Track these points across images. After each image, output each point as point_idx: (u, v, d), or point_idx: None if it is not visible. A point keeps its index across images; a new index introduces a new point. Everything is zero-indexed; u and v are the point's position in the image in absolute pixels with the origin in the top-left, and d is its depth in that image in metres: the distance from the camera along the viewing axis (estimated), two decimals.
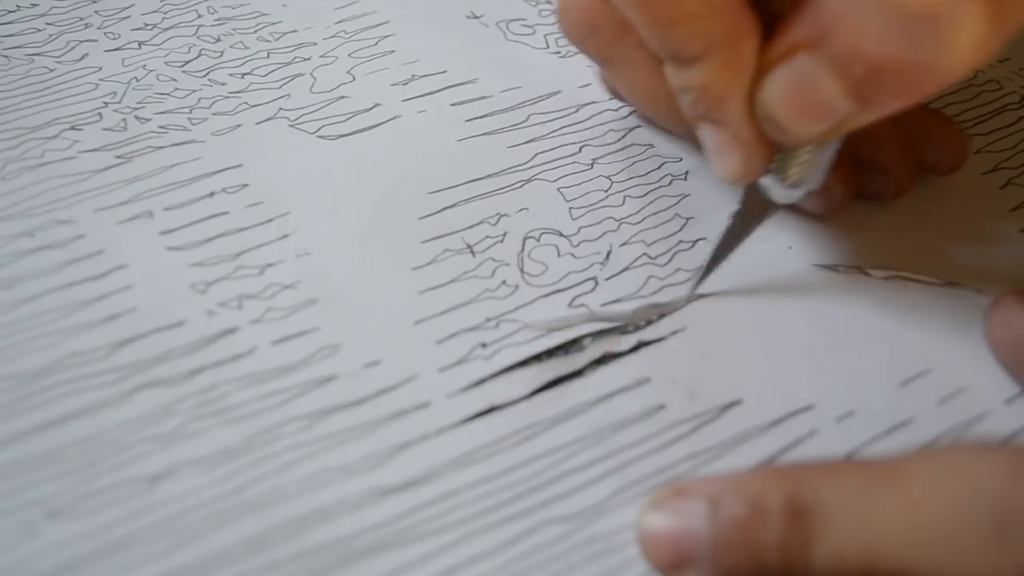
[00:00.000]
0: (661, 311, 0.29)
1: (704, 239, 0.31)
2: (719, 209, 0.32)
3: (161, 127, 0.34)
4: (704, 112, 0.27)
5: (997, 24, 0.22)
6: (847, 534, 0.21)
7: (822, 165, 0.28)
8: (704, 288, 0.30)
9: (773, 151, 0.27)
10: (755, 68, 0.26)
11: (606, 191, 0.33)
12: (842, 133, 0.26)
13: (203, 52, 0.37)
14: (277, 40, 0.38)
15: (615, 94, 0.35)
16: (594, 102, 0.36)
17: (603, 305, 0.29)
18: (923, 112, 0.32)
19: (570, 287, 0.30)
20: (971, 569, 0.20)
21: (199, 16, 0.39)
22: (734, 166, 0.27)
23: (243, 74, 0.36)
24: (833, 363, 0.28)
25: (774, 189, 0.28)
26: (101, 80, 0.36)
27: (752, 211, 0.29)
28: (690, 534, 0.22)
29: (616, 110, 0.36)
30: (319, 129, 0.34)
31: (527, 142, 0.34)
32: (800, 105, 0.25)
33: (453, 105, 0.35)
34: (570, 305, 0.29)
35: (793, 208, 0.31)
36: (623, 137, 0.35)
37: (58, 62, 0.36)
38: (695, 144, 0.30)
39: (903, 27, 0.22)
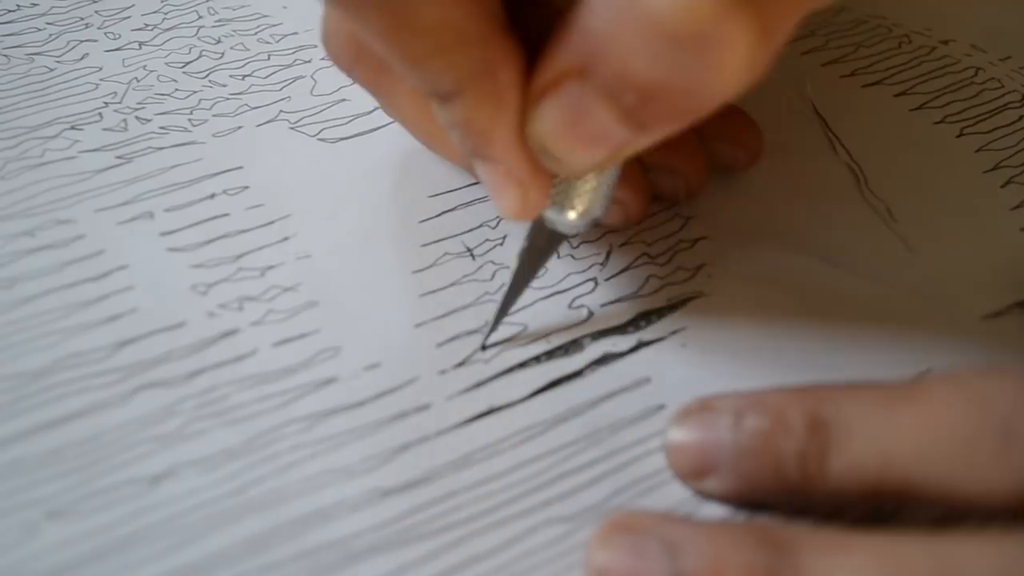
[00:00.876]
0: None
1: (704, 238, 0.31)
2: (719, 209, 0.32)
3: (162, 128, 0.34)
4: (472, 149, 0.25)
5: (765, 41, 0.21)
6: (863, 445, 0.23)
7: (604, 192, 0.26)
8: (496, 337, 0.29)
9: (550, 183, 0.26)
10: (520, 99, 0.24)
11: None
12: (620, 160, 0.24)
13: (204, 53, 0.37)
14: (278, 42, 0.38)
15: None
16: None
17: (602, 306, 0.29)
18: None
19: (570, 288, 0.30)
20: (979, 479, 0.22)
21: (200, 17, 0.39)
22: (512, 202, 0.26)
23: (244, 76, 0.36)
24: (833, 363, 0.28)
25: (559, 221, 0.27)
26: (101, 80, 0.36)
27: (541, 246, 0.28)
28: (714, 443, 0.24)
29: None
30: (320, 132, 0.34)
31: None
32: (574, 135, 0.23)
33: None
34: (570, 306, 0.29)
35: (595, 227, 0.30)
36: None
37: (58, 62, 0.36)
38: (478, 178, 0.29)
39: (671, 51, 0.21)
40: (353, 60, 0.29)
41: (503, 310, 0.28)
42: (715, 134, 0.32)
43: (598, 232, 0.31)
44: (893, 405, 0.23)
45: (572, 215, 0.26)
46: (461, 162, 0.31)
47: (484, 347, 0.28)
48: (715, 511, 0.25)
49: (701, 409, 0.25)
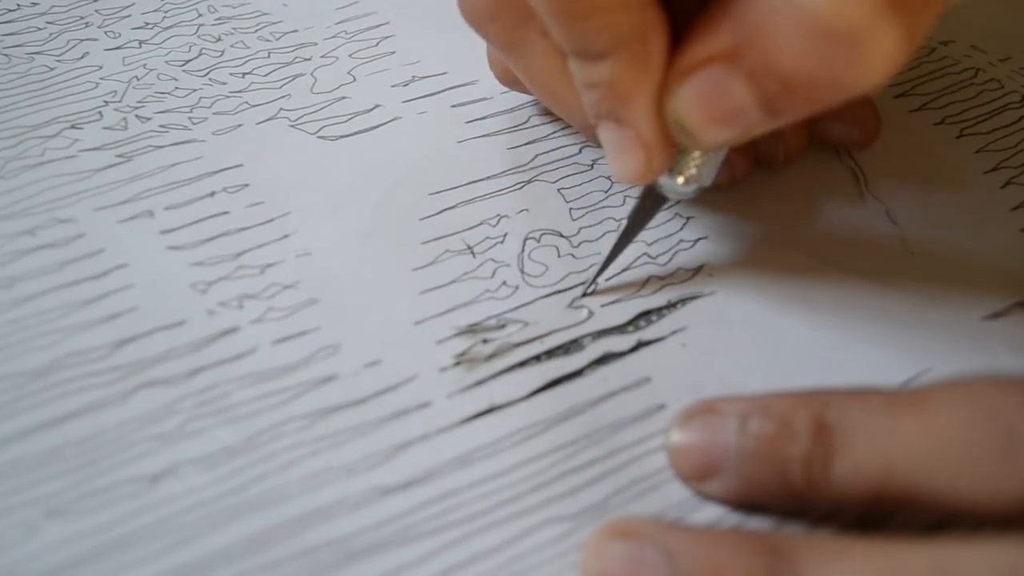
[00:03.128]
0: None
1: (704, 238, 0.31)
2: (719, 209, 0.32)
3: (162, 126, 0.34)
4: (608, 110, 0.26)
5: (908, 40, 0.22)
6: (867, 451, 0.23)
7: (715, 163, 0.28)
8: (606, 283, 0.30)
9: (673, 152, 0.27)
10: (663, 68, 0.25)
11: (606, 191, 0.33)
12: (746, 139, 0.26)
13: (204, 51, 0.37)
14: (278, 40, 0.38)
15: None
16: None
17: (603, 306, 0.29)
18: None
19: (570, 287, 0.30)
20: (983, 486, 0.22)
21: (200, 15, 0.39)
22: (635, 166, 0.27)
23: (244, 74, 0.36)
24: (833, 363, 0.28)
25: (670, 186, 0.28)
26: (101, 79, 0.36)
27: (648, 207, 0.29)
28: (718, 446, 0.24)
29: None
30: (320, 129, 0.34)
31: (527, 143, 0.34)
32: (711, 114, 0.25)
33: (454, 107, 0.36)
34: (570, 305, 0.29)
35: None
36: None
37: (58, 61, 0.36)
38: (595, 141, 0.30)
39: (823, 45, 0.22)
40: (489, 16, 0.29)
41: (608, 263, 0.30)
42: (834, 114, 0.32)
43: (600, 232, 0.31)
44: (897, 411, 0.23)
45: (681, 181, 0.28)
46: (579, 122, 0.31)
47: (585, 294, 0.30)
48: (715, 512, 0.25)
49: (705, 411, 0.25)
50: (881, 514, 0.24)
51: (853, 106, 0.32)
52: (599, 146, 0.29)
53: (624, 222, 0.30)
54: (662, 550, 0.22)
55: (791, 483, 0.23)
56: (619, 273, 0.30)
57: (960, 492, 0.22)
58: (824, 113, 0.31)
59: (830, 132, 0.33)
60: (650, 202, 0.29)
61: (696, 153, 0.27)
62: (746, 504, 0.25)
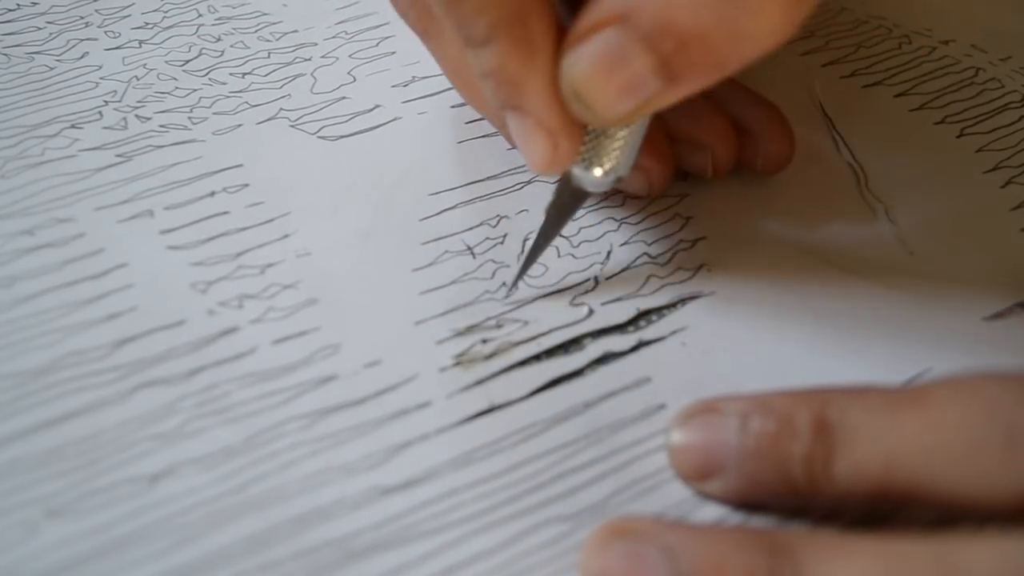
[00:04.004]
0: None
1: (704, 238, 0.31)
2: (719, 210, 0.32)
3: (162, 126, 0.34)
4: (504, 98, 0.26)
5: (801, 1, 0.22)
6: (868, 448, 0.22)
7: (630, 150, 0.27)
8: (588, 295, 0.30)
9: (580, 136, 0.27)
10: (552, 48, 0.25)
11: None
12: (650, 111, 0.25)
13: (204, 51, 0.37)
14: (278, 40, 0.38)
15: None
16: None
17: (603, 305, 0.29)
18: (757, 104, 0.32)
19: (570, 287, 0.30)
20: (983, 483, 0.21)
21: (199, 15, 0.39)
22: (541, 153, 0.26)
23: (244, 74, 0.36)
24: (833, 364, 0.28)
25: (585, 177, 0.27)
26: (101, 79, 0.36)
27: (566, 202, 0.29)
28: (719, 446, 0.24)
29: None
30: (320, 130, 0.34)
31: None
32: (608, 81, 0.24)
33: (453, 107, 0.35)
34: (571, 303, 0.29)
35: (616, 192, 0.31)
36: None
37: (58, 60, 0.36)
38: (507, 135, 0.29)
39: (717, 1, 0.22)
40: (408, 3, 0.29)
41: (527, 263, 0.29)
42: (753, 129, 0.32)
43: (600, 232, 0.31)
44: (898, 408, 0.23)
45: (598, 172, 0.27)
46: (491, 116, 0.31)
47: (507, 296, 0.29)
48: (716, 512, 0.25)
49: (705, 410, 0.25)
50: (883, 512, 0.24)
51: (770, 125, 0.32)
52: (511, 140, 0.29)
53: (543, 218, 0.29)
54: (662, 548, 0.22)
55: (793, 481, 0.23)
56: (619, 273, 0.30)
57: (961, 488, 0.22)
58: (749, 127, 0.32)
59: (751, 150, 0.32)
60: (569, 196, 0.29)
61: (609, 141, 0.27)
62: (747, 503, 0.24)
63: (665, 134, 0.31)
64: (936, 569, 0.20)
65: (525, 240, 0.31)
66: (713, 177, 0.32)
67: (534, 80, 0.25)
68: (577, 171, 0.27)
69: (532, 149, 0.26)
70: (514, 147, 0.29)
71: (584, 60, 0.24)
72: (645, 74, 0.23)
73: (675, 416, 0.25)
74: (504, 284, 0.30)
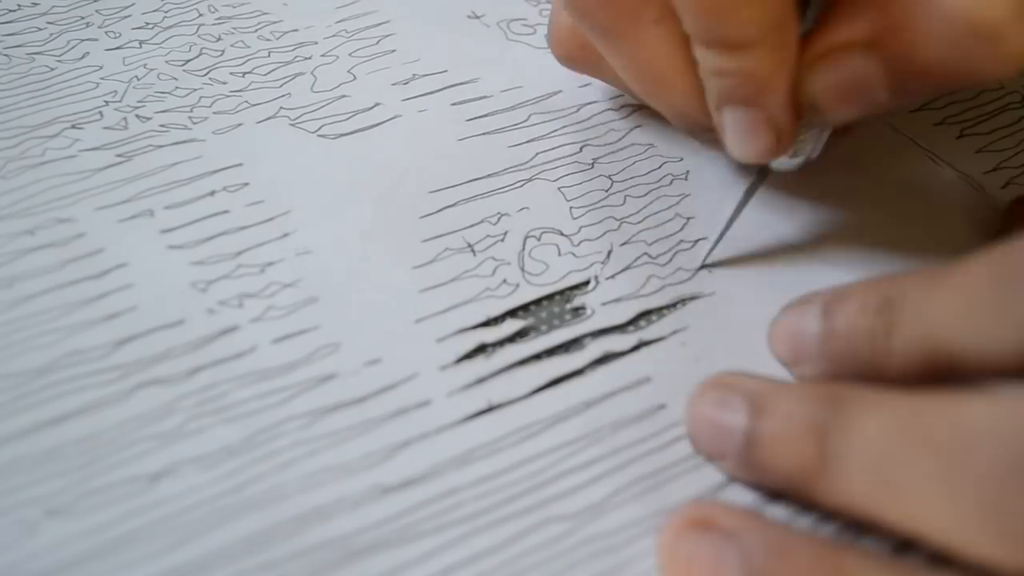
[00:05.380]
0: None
1: (704, 239, 0.31)
2: (719, 209, 0.32)
3: (162, 126, 0.34)
4: (743, 96, 0.27)
5: None
6: (916, 318, 0.24)
7: (824, 139, 0.29)
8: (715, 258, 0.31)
9: (795, 131, 0.28)
10: (798, 53, 0.26)
11: (607, 190, 0.33)
12: (867, 113, 0.27)
13: (204, 51, 0.37)
14: (278, 39, 0.38)
15: (572, 61, 0.33)
16: (595, 102, 0.36)
17: (603, 305, 0.29)
18: None
19: (571, 287, 0.30)
20: (1009, 343, 0.22)
21: (200, 15, 0.39)
22: (765, 147, 0.28)
23: (244, 73, 0.36)
24: None
25: (782, 162, 0.29)
26: (102, 79, 0.36)
27: (755, 183, 0.31)
28: (804, 334, 0.26)
29: (617, 110, 0.36)
30: (320, 128, 0.34)
31: (528, 141, 0.34)
32: (844, 95, 0.26)
33: (454, 105, 0.35)
34: (570, 303, 0.29)
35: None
36: (624, 137, 0.35)
37: (59, 61, 0.36)
38: (691, 130, 0.30)
39: (963, 39, 0.24)
40: (602, 3, 0.29)
41: (722, 236, 0.31)
42: None
43: (600, 231, 0.31)
44: (935, 279, 0.24)
45: (799, 159, 0.29)
46: (679, 110, 0.31)
47: (704, 266, 0.31)
48: (739, 495, 0.25)
49: (798, 303, 0.27)
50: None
51: None
52: (696, 137, 0.32)
53: (741, 196, 0.31)
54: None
55: (862, 358, 0.25)
56: (620, 273, 0.30)
57: (992, 349, 0.23)
58: None
59: None
60: (758, 176, 0.30)
61: (808, 131, 0.29)
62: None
63: None
64: (943, 420, 0.22)
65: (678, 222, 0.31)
66: (842, 135, 0.33)
67: (780, 83, 0.27)
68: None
69: (755, 142, 0.28)
70: (706, 142, 0.30)
71: (828, 77, 0.26)
72: (878, 91, 0.26)
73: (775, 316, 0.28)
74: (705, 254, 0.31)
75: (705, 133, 0.30)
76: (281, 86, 0.36)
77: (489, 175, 0.33)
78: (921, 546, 0.23)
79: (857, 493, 0.23)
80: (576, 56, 0.33)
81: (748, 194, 0.31)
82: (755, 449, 0.24)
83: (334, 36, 0.38)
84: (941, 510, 0.21)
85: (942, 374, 0.24)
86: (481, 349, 0.28)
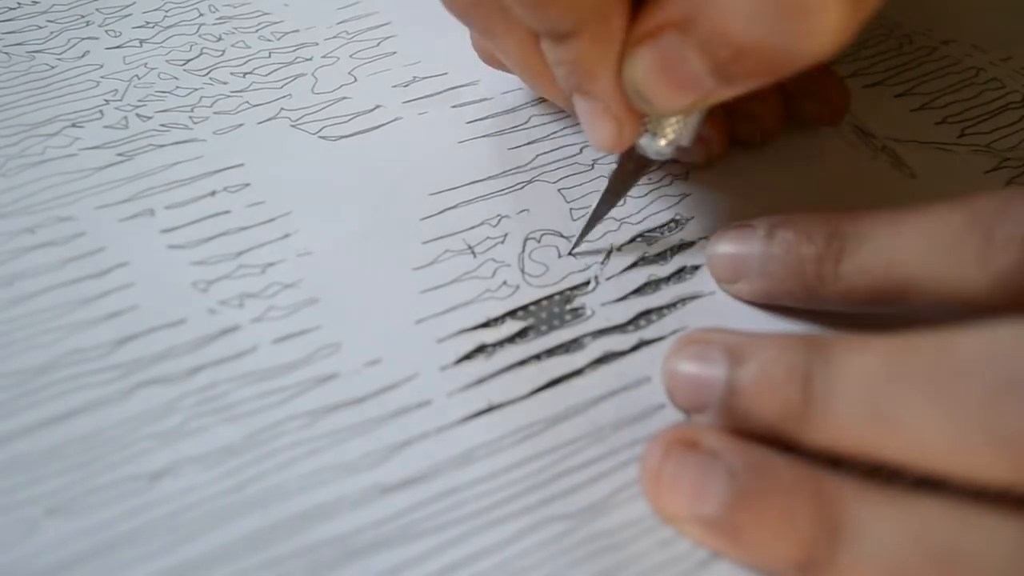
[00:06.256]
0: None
1: (704, 238, 0.31)
2: (719, 209, 0.32)
3: (163, 125, 0.34)
4: (576, 85, 0.27)
5: (854, 11, 0.23)
6: (871, 250, 0.26)
7: (692, 124, 0.29)
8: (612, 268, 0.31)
9: (640, 120, 0.28)
10: (624, 43, 0.26)
11: None
12: (704, 106, 0.27)
13: (204, 51, 0.37)
14: (279, 40, 0.38)
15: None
16: None
17: (603, 305, 0.29)
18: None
19: (571, 287, 0.30)
20: (963, 275, 0.25)
21: (200, 15, 0.39)
22: (606, 135, 0.28)
23: (244, 73, 0.36)
24: None
25: (649, 147, 0.29)
26: (102, 78, 0.36)
27: (630, 169, 0.30)
28: (747, 254, 0.29)
29: None
30: (321, 130, 0.34)
31: (528, 144, 0.34)
32: (666, 80, 0.26)
33: (454, 107, 0.36)
34: (569, 304, 0.29)
35: (674, 162, 0.33)
36: None
37: (59, 59, 0.36)
38: (574, 113, 0.31)
39: (771, 14, 0.23)
40: (471, 4, 0.30)
41: (590, 226, 0.31)
42: (802, 91, 0.34)
43: (600, 232, 0.31)
44: (901, 218, 0.26)
45: (662, 142, 0.29)
46: (559, 98, 0.32)
47: (572, 253, 0.31)
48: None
49: (739, 226, 0.29)
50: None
51: (821, 83, 0.34)
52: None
53: (606, 184, 0.30)
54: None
55: (806, 280, 0.27)
56: (619, 273, 0.30)
57: (946, 283, 0.25)
58: (796, 90, 0.34)
59: (802, 110, 0.35)
60: (633, 165, 0.30)
61: (672, 117, 0.28)
62: (768, 303, 0.29)
63: (721, 106, 0.31)
64: (934, 353, 0.22)
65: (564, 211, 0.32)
66: (761, 142, 0.34)
67: (606, 71, 0.27)
68: (642, 141, 0.29)
69: (599, 131, 0.28)
70: (578, 122, 0.30)
71: (644, 61, 0.26)
72: (701, 75, 0.25)
73: (714, 233, 0.30)
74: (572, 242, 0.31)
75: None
76: (282, 87, 0.36)
77: (489, 177, 0.33)
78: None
79: (846, 429, 0.23)
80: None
81: (618, 183, 0.30)
82: (737, 398, 0.24)
83: (335, 37, 0.38)
84: (938, 435, 0.22)
85: (885, 303, 0.26)
86: (481, 349, 0.28)
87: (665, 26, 0.25)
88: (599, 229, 0.31)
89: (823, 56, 0.24)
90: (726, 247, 0.29)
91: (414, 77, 0.37)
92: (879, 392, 0.22)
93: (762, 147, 0.34)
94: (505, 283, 0.30)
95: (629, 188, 0.31)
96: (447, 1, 0.30)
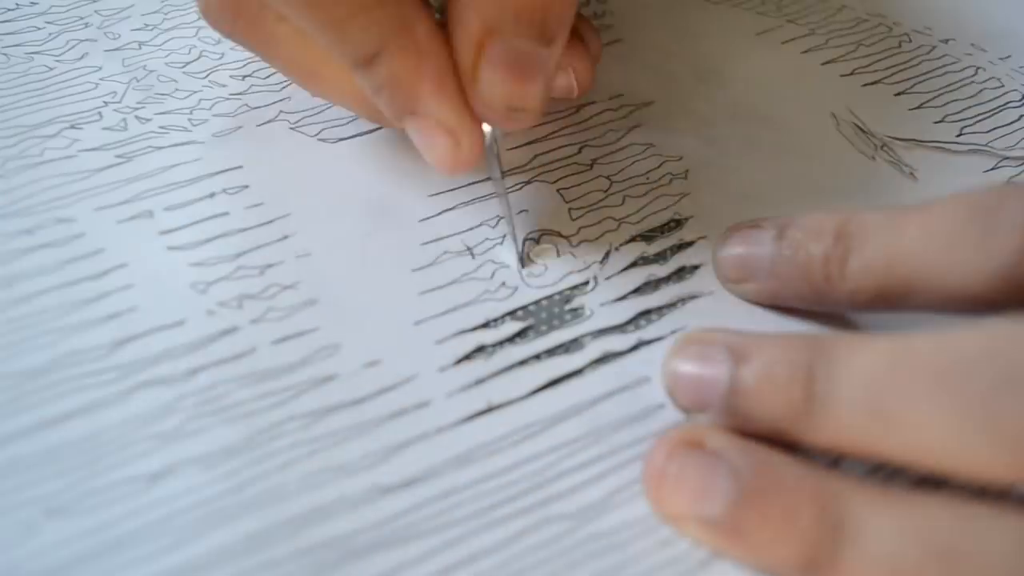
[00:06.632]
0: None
1: (704, 238, 0.31)
2: (719, 209, 0.32)
3: (162, 127, 0.34)
4: (401, 107, 0.27)
5: None
6: (875, 249, 0.26)
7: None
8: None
9: (480, 130, 0.27)
10: (438, 50, 0.26)
11: (605, 191, 0.33)
12: (554, 80, 0.27)
13: (204, 53, 0.37)
14: None
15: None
16: (593, 102, 0.36)
17: (602, 305, 0.29)
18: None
19: (571, 287, 0.30)
20: (964, 269, 0.25)
21: (200, 17, 0.39)
22: (444, 153, 0.27)
23: (244, 76, 0.36)
24: None
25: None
26: (101, 79, 0.36)
27: (496, 153, 0.30)
28: (757, 254, 0.29)
29: (616, 110, 0.36)
30: (320, 132, 0.34)
31: (526, 144, 0.34)
32: (523, 77, 0.26)
33: None
34: (569, 304, 0.29)
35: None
36: (622, 137, 0.35)
37: (58, 61, 0.36)
38: (377, 122, 0.31)
39: None
40: (232, 16, 0.29)
41: (515, 235, 0.31)
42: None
43: (599, 231, 0.31)
44: (903, 216, 0.26)
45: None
46: (355, 107, 0.31)
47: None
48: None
49: (748, 227, 0.29)
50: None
51: (569, 54, 0.32)
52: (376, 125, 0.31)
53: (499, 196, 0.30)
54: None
55: (813, 280, 0.27)
56: (618, 273, 0.30)
57: (949, 278, 0.25)
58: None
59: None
60: (497, 147, 0.30)
61: None
62: (775, 304, 0.29)
63: (577, 33, 0.32)
64: (935, 351, 0.22)
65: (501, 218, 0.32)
66: (578, 97, 0.33)
67: (427, 83, 0.26)
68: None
69: (435, 150, 0.27)
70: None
71: (495, 74, 0.26)
72: (536, 50, 0.26)
73: (721, 234, 0.30)
74: (492, 262, 0.30)
75: None
76: (281, 89, 0.36)
77: (488, 178, 0.33)
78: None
79: (848, 428, 0.23)
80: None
81: (492, 170, 0.30)
82: (739, 397, 0.24)
83: None
84: (939, 433, 0.22)
85: (891, 302, 0.26)
86: (480, 350, 0.28)
87: (484, 41, 0.25)
88: (599, 228, 0.31)
89: None
90: (735, 247, 0.29)
91: None
92: (881, 391, 0.23)
93: (715, 181, 0.33)
94: (504, 284, 0.30)
95: (501, 170, 0.30)
96: (207, 15, 0.30)
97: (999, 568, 0.21)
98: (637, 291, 0.30)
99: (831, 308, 0.28)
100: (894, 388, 0.22)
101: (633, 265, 0.31)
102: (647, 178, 0.33)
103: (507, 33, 0.25)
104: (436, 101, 0.26)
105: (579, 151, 0.34)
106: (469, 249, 0.31)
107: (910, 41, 0.40)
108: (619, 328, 0.29)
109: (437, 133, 0.27)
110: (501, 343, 0.28)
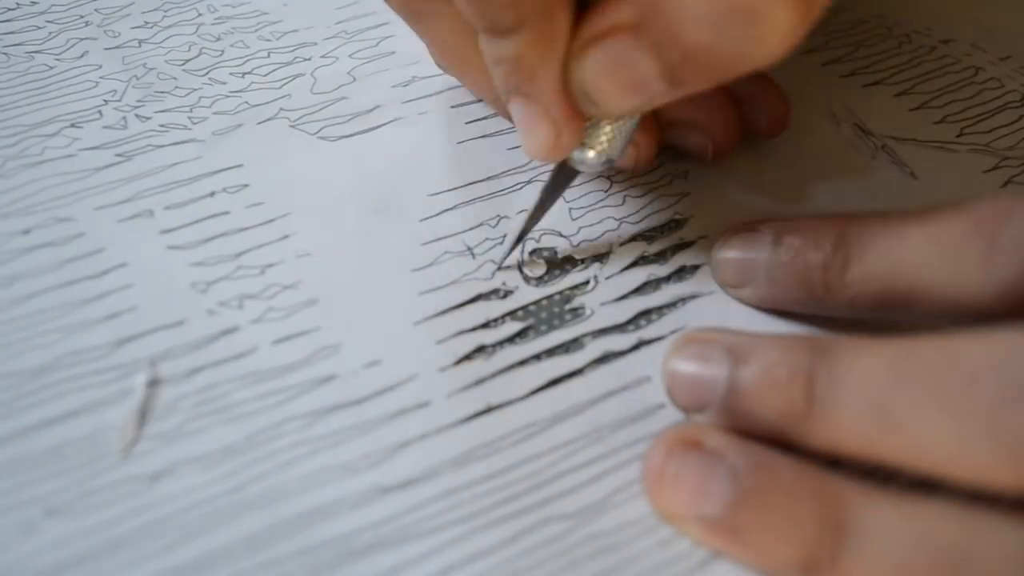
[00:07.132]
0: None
1: (704, 237, 0.31)
2: (719, 209, 0.32)
3: (161, 126, 0.34)
4: (516, 86, 0.27)
5: (804, 16, 0.23)
6: (877, 258, 0.26)
7: (625, 135, 0.28)
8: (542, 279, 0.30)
9: (582, 127, 0.27)
10: (568, 43, 0.26)
11: (606, 191, 0.33)
12: (650, 108, 0.26)
13: (203, 51, 0.37)
14: (278, 39, 0.38)
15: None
16: None
17: (602, 304, 0.29)
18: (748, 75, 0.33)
19: (571, 287, 0.30)
20: (967, 281, 0.24)
21: (199, 15, 0.39)
22: (544, 141, 0.27)
23: (244, 73, 0.36)
24: None
25: (579, 159, 0.28)
26: (101, 78, 0.36)
27: (559, 182, 0.30)
28: (754, 259, 0.29)
29: None
30: (320, 130, 0.34)
31: None
32: (616, 82, 0.25)
33: (454, 107, 0.35)
34: (569, 303, 0.29)
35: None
36: None
37: (58, 59, 0.36)
38: (504, 115, 0.30)
39: (722, 19, 0.23)
40: None
41: (520, 238, 0.30)
42: (746, 99, 0.33)
43: (600, 231, 0.31)
44: (907, 224, 0.26)
45: (591, 154, 0.28)
46: (488, 96, 0.31)
47: (492, 274, 0.30)
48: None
49: (746, 229, 0.29)
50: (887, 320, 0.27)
51: (762, 93, 0.33)
52: (510, 121, 0.30)
53: (537, 196, 0.30)
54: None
55: (812, 287, 0.27)
56: (619, 272, 0.30)
57: (951, 290, 0.25)
58: (743, 98, 0.33)
59: (746, 118, 0.34)
60: (562, 176, 0.30)
61: (606, 127, 0.28)
62: (774, 309, 0.29)
63: (652, 112, 0.32)
64: (941, 359, 0.22)
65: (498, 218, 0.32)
66: (714, 160, 0.33)
67: (549, 71, 0.26)
68: (573, 152, 0.28)
69: (535, 136, 0.27)
70: (512, 126, 0.29)
71: (595, 62, 0.25)
72: (651, 77, 0.25)
73: (720, 236, 0.30)
74: (492, 261, 0.30)
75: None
76: (281, 87, 0.36)
77: (488, 178, 0.33)
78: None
79: (848, 431, 0.23)
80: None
81: (549, 194, 0.30)
82: (739, 398, 0.24)
83: (334, 37, 0.38)
84: (942, 439, 0.22)
85: (890, 310, 0.26)
86: (480, 350, 0.28)
87: (617, 28, 0.25)
88: (599, 228, 0.31)
89: (773, 59, 0.24)
90: (732, 251, 0.29)
91: (413, 77, 0.37)
92: (883, 395, 0.22)
93: (716, 163, 0.33)
94: (504, 284, 0.30)
95: (555, 201, 0.30)
96: None
97: (1003, 571, 0.21)
98: (637, 291, 0.30)
99: (829, 313, 0.28)
100: (897, 393, 0.22)
101: (633, 265, 0.31)
102: (647, 178, 0.33)
103: (639, 45, 0.24)
104: (551, 90, 0.26)
105: None
106: (469, 249, 0.31)
107: (910, 42, 0.40)
108: (619, 328, 0.29)
109: (543, 121, 0.27)
110: (501, 343, 0.28)
